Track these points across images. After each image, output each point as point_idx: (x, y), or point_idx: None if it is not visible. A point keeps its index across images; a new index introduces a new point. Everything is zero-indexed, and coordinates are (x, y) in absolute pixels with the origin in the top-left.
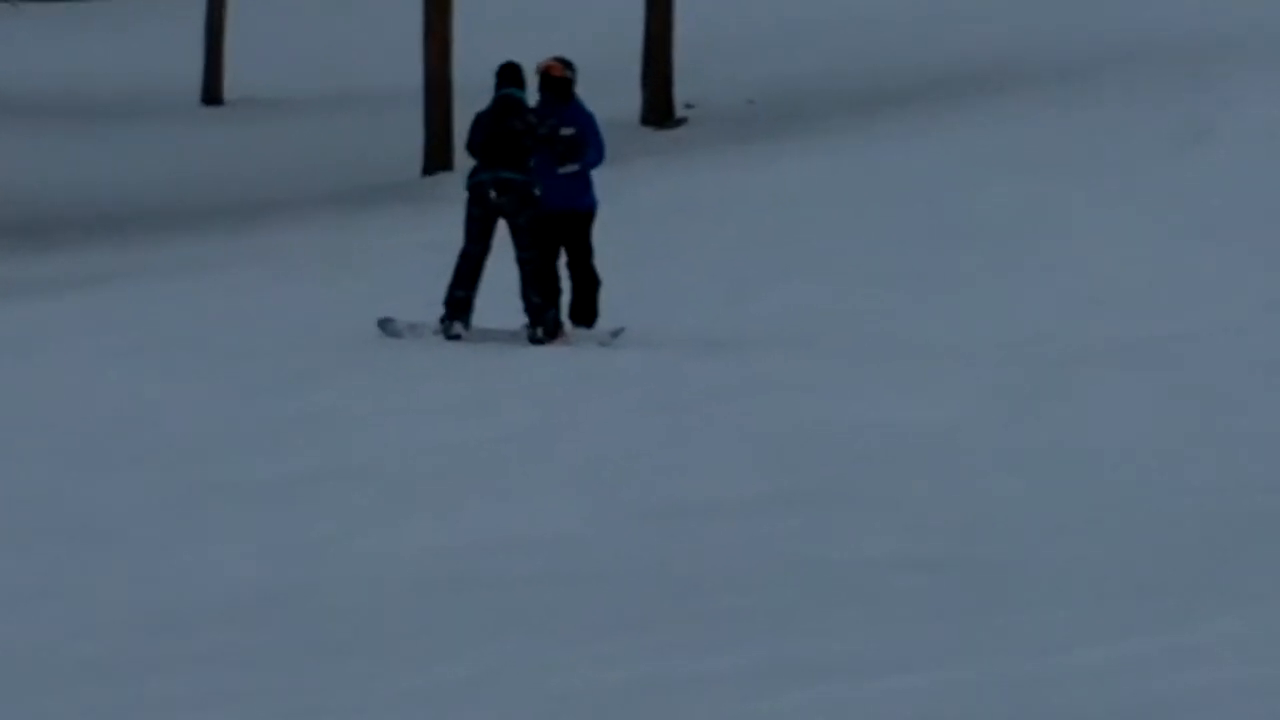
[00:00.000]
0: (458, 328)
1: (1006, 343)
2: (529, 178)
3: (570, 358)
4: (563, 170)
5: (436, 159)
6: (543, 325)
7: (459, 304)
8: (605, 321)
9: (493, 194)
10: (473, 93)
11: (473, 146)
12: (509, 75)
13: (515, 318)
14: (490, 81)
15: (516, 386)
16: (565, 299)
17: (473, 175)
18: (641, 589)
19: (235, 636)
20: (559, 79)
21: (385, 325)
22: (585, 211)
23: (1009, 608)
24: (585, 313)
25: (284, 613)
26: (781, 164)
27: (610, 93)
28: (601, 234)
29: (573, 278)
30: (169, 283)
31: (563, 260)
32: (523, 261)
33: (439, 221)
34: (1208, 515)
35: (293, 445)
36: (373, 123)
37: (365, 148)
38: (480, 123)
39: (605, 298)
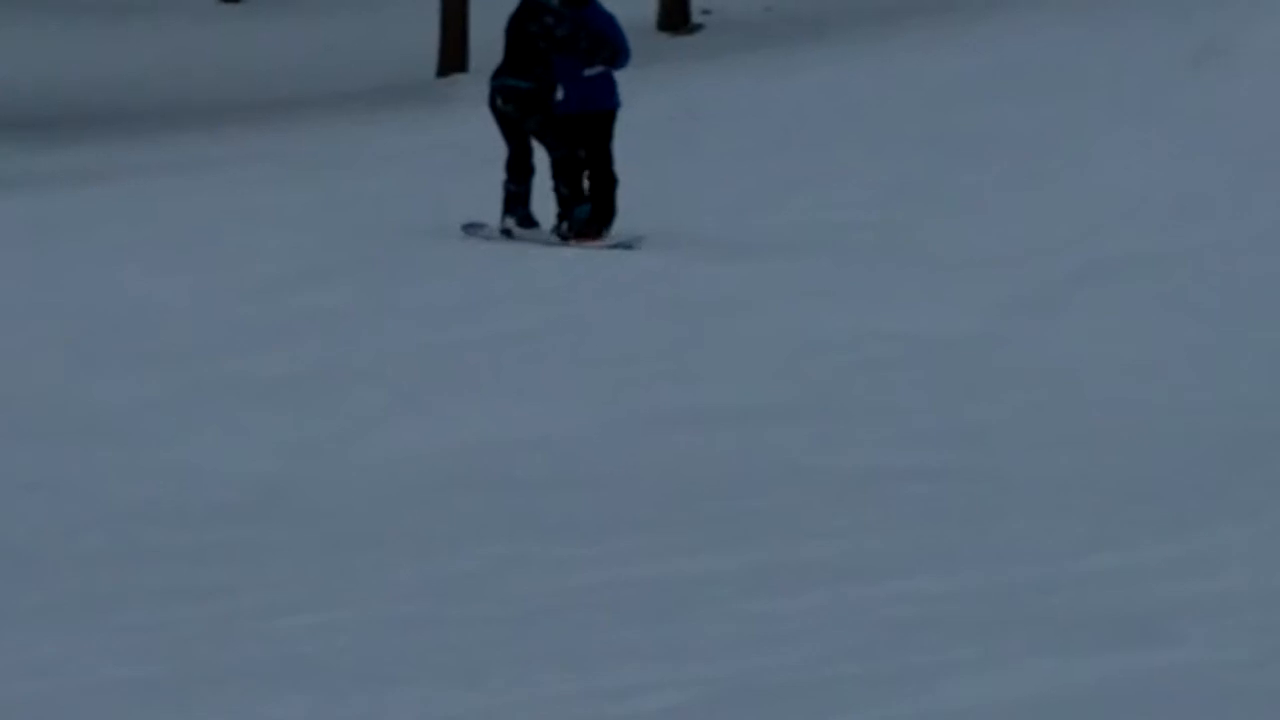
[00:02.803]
0: (509, 221)
1: (1017, 256)
2: (536, 84)
3: (582, 262)
4: (589, 72)
5: (451, 60)
6: (570, 221)
7: (512, 198)
8: (620, 224)
9: (499, 101)
10: None
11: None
12: None
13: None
14: None
15: (526, 289)
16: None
17: (490, 81)
18: (647, 491)
19: (237, 531)
20: None
21: (470, 228)
22: (608, 111)
23: (1015, 516)
24: (603, 212)
25: (286, 509)
26: (798, 73)
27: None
28: (617, 139)
29: (590, 177)
30: (179, 178)
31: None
32: (552, 161)
33: (451, 122)
34: (1210, 430)
35: (298, 344)
36: (389, 22)
37: (380, 47)
38: (507, 25)
39: (619, 203)
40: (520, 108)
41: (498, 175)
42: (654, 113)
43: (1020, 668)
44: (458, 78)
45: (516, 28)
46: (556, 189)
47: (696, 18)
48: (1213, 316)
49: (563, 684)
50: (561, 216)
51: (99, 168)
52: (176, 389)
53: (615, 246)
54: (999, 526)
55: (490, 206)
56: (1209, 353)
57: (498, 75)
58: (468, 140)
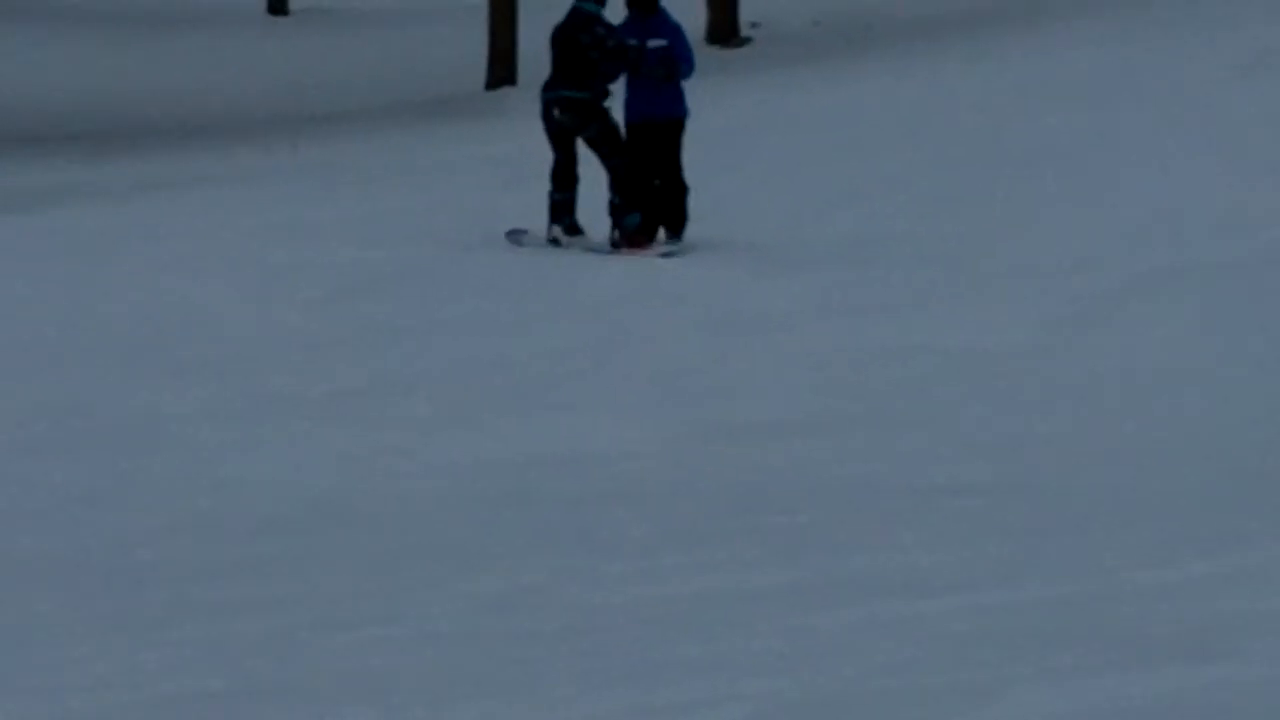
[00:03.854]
0: (556, 230)
1: (1067, 268)
2: (592, 94)
3: (633, 274)
4: (655, 78)
5: (500, 73)
6: (621, 229)
7: (558, 206)
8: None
9: (556, 113)
10: (538, 8)
11: (551, 60)
12: None
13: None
14: None
15: (576, 302)
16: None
17: (541, 92)
18: (697, 506)
19: (290, 545)
20: None
21: (513, 235)
22: (677, 119)
23: (1067, 530)
24: (675, 219)
25: (339, 522)
26: (845, 86)
27: (675, 11)
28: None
29: (662, 185)
30: (229, 191)
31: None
32: (608, 168)
33: (501, 135)
34: (1262, 443)
35: (350, 357)
36: (437, 35)
37: (429, 60)
38: (553, 36)
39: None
40: (578, 117)
41: (545, 186)
42: (703, 125)
43: (1076, 683)
44: (506, 90)
45: (567, 39)
46: (612, 198)
47: (745, 31)
48: (1264, 328)
49: (620, 699)
50: (614, 225)
51: (150, 181)
52: (228, 402)
53: (664, 254)
54: (1052, 541)
55: (539, 218)
56: (1260, 364)
57: (551, 86)
58: (517, 152)
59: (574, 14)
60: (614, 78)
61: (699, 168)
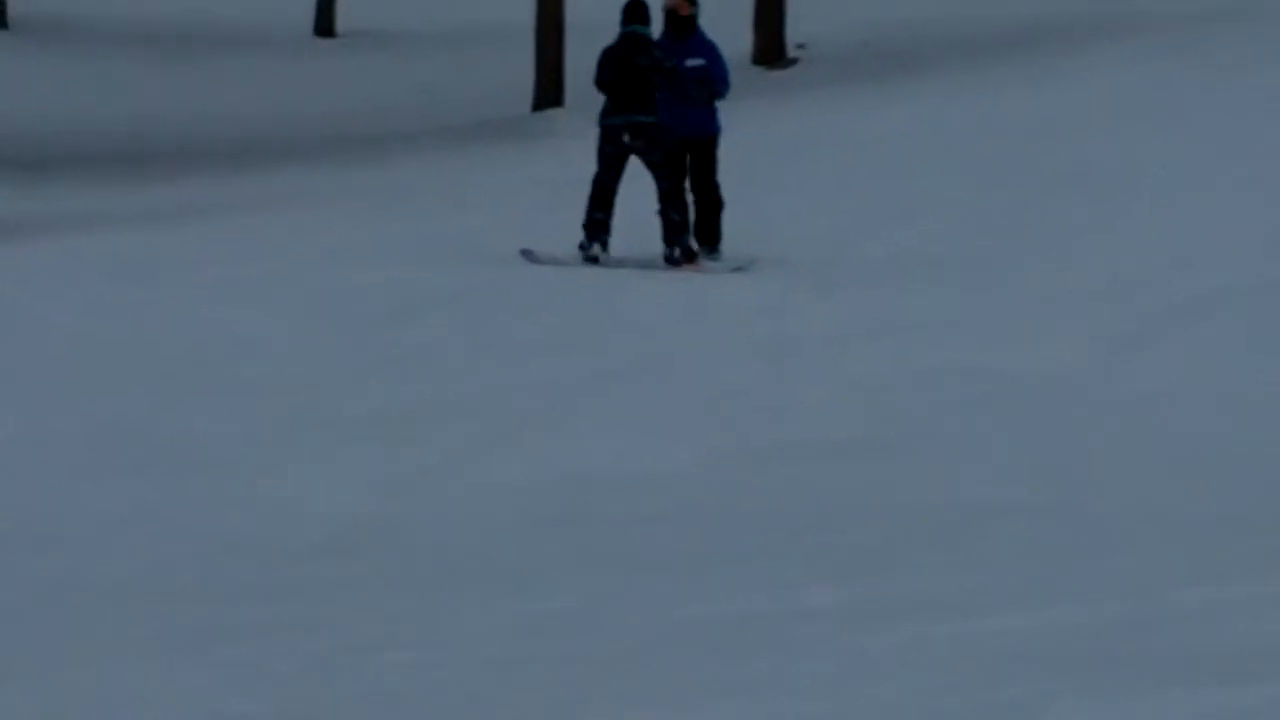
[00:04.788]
0: (596, 249)
1: (1110, 291)
2: (659, 118)
3: (678, 294)
4: (693, 98)
5: (547, 95)
6: (679, 245)
7: (597, 225)
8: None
9: (626, 138)
10: (584, 29)
11: (600, 83)
12: (635, 12)
13: (648, 247)
14: (609, 17)
15: (622, 322)
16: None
17: (605, 116)
18: (742, 527)
19: (333, 567)
20: (687, 17)
21: (527, 254)
22: (710, 137)
23: (1112, 550)
24: (710, 234)
25: (382, 544)
26: (892, 107)
27: (721, 32)
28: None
29: (697, 201)
30: (275, 214)
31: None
32: (662, 191)
33: (548, 157)
34: None
35: (393, 379)
36: (484, 58)
37: (476, 82)
38: (607, 60)
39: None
40: (649, 142)
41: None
42: (750, 146)
43: (1117, 703)
44: (553, 113)
45: (624, 62)
46: (667, 215)
47: (791, 52)
48: None
49: None
50: (671, 242)
51: (195, 204)
52: (272, 424)
53: (735, 269)
54: (1093, 562)
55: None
56: None
57: (619, 111)
58: (563, 175)
59: (629, 38)
60: (696, 95)
61: (744, 188)
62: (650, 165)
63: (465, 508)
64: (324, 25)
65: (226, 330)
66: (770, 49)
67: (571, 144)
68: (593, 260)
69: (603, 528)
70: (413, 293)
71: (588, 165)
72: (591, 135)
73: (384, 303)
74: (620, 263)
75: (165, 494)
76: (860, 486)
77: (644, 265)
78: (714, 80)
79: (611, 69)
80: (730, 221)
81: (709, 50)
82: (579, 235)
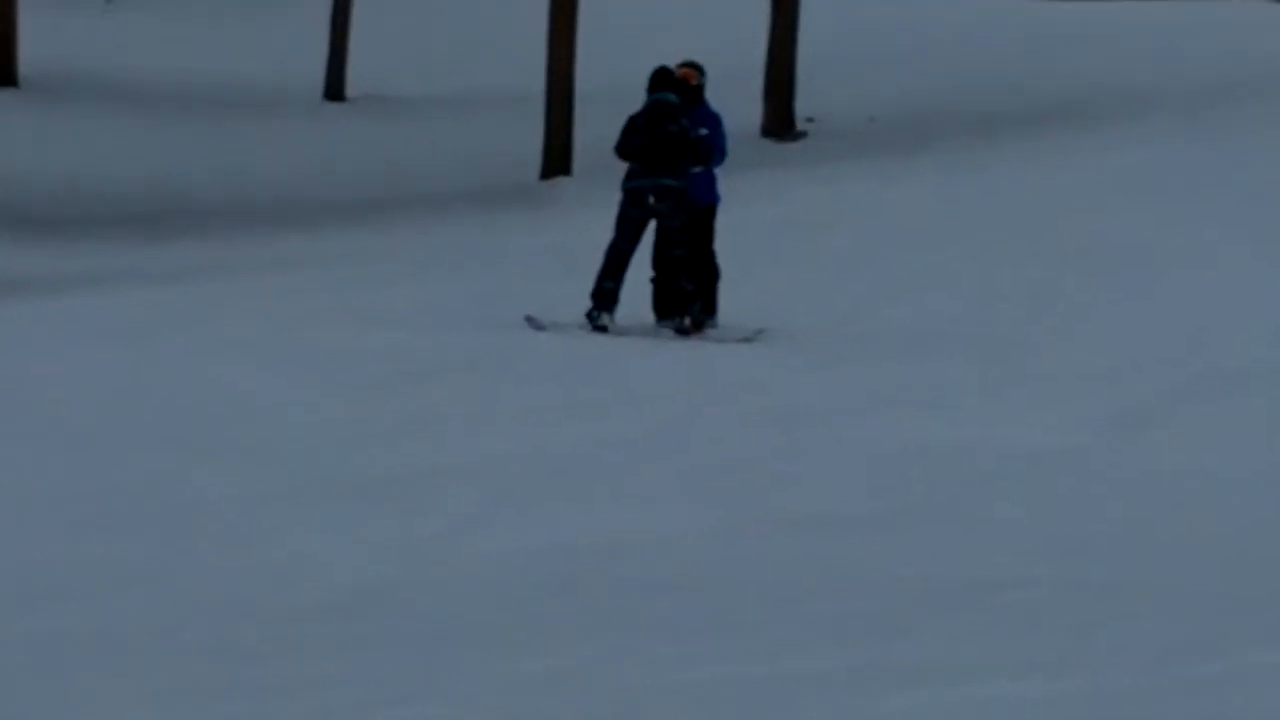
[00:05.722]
0: (605, 318)
1: (1121, 368)
2: (684, 183)
3: (685, 362)
4: (694, 170)
5: (555, 163)
6: (689, 315)
7: (607, 295)
8: (731, 324)
9: (651, 200)
10: (592, 98)
11: (625, 149)
12: (662, 80)
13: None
14: (617, 86)
15: (628, 390)
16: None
17: (629, 179)
18: (745, 593)
19: (336, 628)
20: (695, 87)
21: (531, 321)
22: (709, 206)
23: (1120, 623)
24: (705, 303)
25: (385, 606)
26: (902, 181)
27: (731, 103)
28: (720, 244)
29: (694, 271)
30: (283, 276)
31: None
32: (677, 259)
33: (555, 225)
34: None
35: (399, 442)
36: (492, 124)
37: (484, 149)
38: (635, 126)
39: (724, 306)
40: (673, 205)
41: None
42: (758, 218)
43: None
44: (561, 180)
45: (654, 128)
46: (680, 285)
47: (800, 125)
48: None
49: None
50: (683, 311)
51: (202, 265)
52: (274, 486)
53: (744, 340)
54: (1100, 635)
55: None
56: None
57: (646, 174)
58: (571, 243)
59: (658, 105)
60: (693, 168)
61: (752, 260)
62: (669, 231)
63: (468, 571)
64: (334, 89)
65: (230, 391)
66: (780, 121)
67: (579, 212)
68: (601, 329)
69: (604, 592)
70: (417, 357)
71: (595, 233)
72: (599, 203)
73: (388, 366)
74: (626, 331)
75: (166, 554)
76: (865, 557)
77: (651, 333)
78: (713, 149)
79: (639, 136)
80: (737, 293)
81: (713, 121)
82: (585, 303)
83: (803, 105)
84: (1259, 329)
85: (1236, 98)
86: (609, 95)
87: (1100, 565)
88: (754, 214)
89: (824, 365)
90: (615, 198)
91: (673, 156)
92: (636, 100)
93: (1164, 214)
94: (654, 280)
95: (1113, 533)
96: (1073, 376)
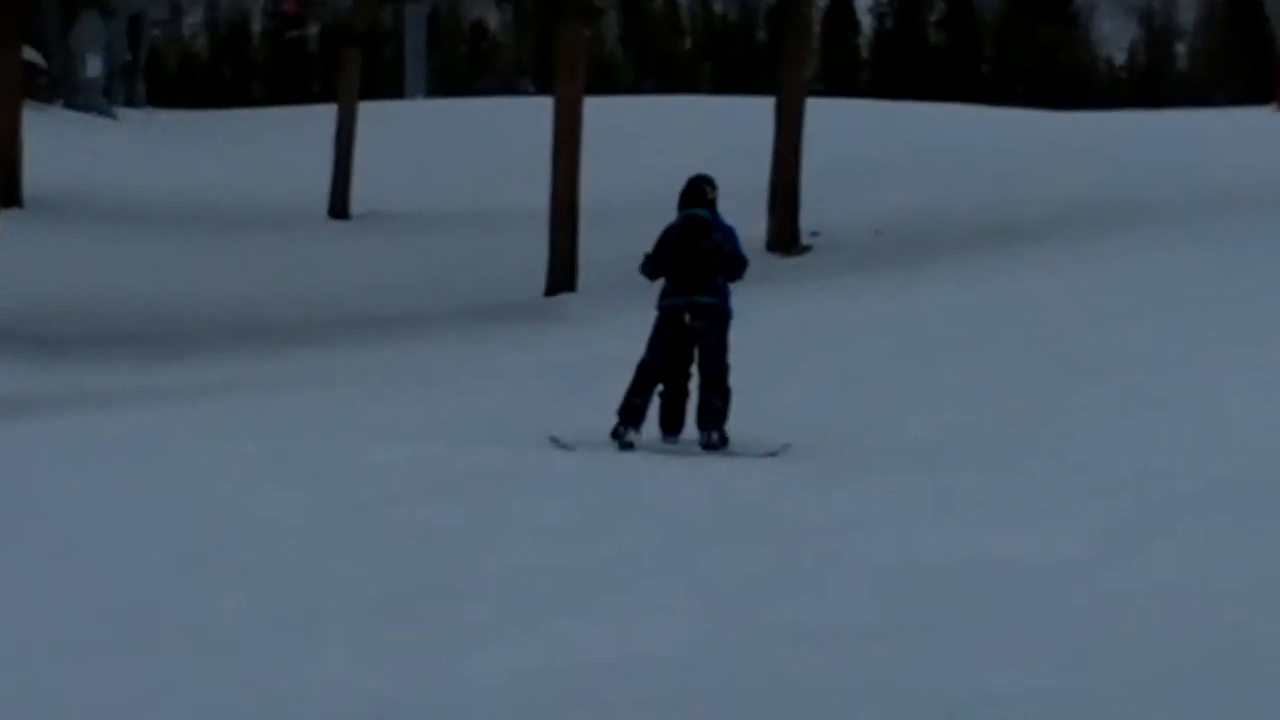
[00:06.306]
0: (632, 435)
1: (1129, 479)
2: (719, 300)
3: (698, 478)
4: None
5: (560, 279)
6: (717, 430)
7: (636, 411)
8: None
9: (688, 318)
10: (597, 215)
11: (657, 264)
12: (695, 196)
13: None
14: (621, 203)
15: (637, 507)
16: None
17: (665, 297)
18: (750, 708)
19: None
20: (707, 201)
21: (556, 441)
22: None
23: None
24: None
25: None
26: (907, 294)
27: (736, 218)
28: (733, 352)
29: (693, 384)
30: (290, 393)
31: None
32: (711, 375)
33: (561, 341)
34: None
35: (408, 559)
36: (496, 240)
37: (489, 265)
38: (668, 242)
39: (733, 422)
40: (710, 323)
41: (606, 390)
42: (764, 332)
43: None
44: (566, 297)
45: (688, 244)
46: (709, 401)
47: (805, 239)
48: None
49: None
50: (710, 427)
51: (211, 384)
52: (285, 603)
53: (768, 454)
54: None
55: (600, 419)
56: None
57: (682, 291)
58: (577, 358)
59: (690, 220)
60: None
61: (761, 374)
62: (705, 349)
63: (477, 689)
64: (338, 206)
65: (240, 507)
66: (785, 235)
67: (585, 328)
68: (628, 446)
69: (617, 711)
70: (427, 472)
71: (601, 348)
72: (604, 319)
73: (398, 482)
74: (651, 447)
75: (175, 672)
76: (871, 670)
77: (677, 450)
78: (745, 263)
79: (673, 252)
80: (742, 407)
81: (728, 233)
82: (595, 418)
83: (807, 219)
84: (1265, 440)
85: (1244, 207)
86: (614, 212)
87: (1104, 679)
88: (759, 328)
89: (833, 479)
90: (620, 313)
91: (706, 273)
92: (642, 216)
93: (1169, 324)
94: (663, 394)
95: (1123, 646)
96: (1077, 488)
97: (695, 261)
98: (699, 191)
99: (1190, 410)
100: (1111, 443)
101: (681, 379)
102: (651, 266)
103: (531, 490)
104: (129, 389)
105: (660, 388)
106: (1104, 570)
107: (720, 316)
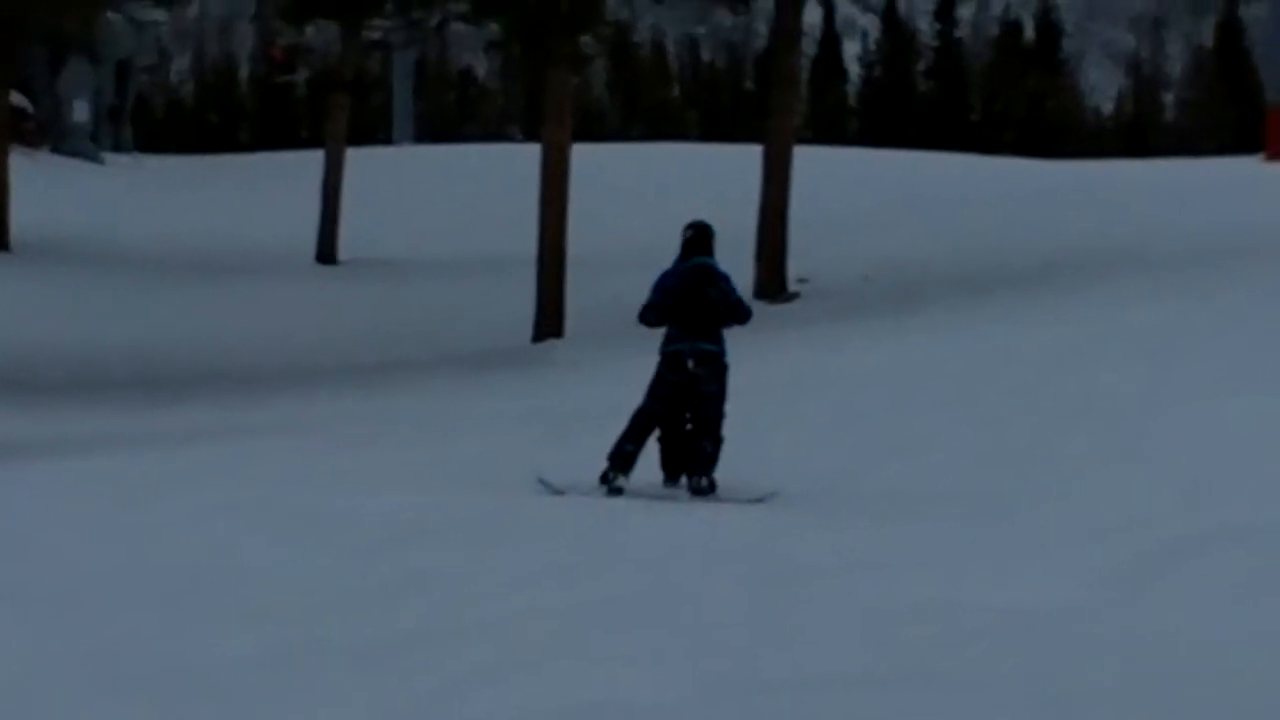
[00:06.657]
0: (621, 480)
1: (1114, 526)
2: (721, 347)
3: (682, 524)
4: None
5: (548, 326)
6: (708, 477)
7: (626, 458)
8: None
9: (690, 364)
10: (587, 261)
11: (661, 312)
12: (702, 244)
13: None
14: (608, 250)
15: (625, 553)
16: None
17: (668, 344)
18: None
19: None
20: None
21: (545, 485)
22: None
23: None
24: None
25: None
26: (894, 341)
27: (723, 265)
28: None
29: (693, 430)
30: (277, 440)
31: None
32: (710, 421)
33: (548, 388)
34: None
35: (396, 605)
36: (483, 287)
37: (476, 312)
38: (672, 290)
39: (722, 468)
40: (711, 370)
41: (592, 437)
42: (752, 379)
43: None
44: (553, 343)
45: (694, 292)
46: (704, 446)
47: (793, 286)
48: None
49: None
50: (700, 472)
51: (198, 427)
52: (273, 649)
53: (756, 500)
54: None
55: (585, 468)
56: None
57: (685, 338)
58: (563, 405)
59: (697, 269)
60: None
61: (748, 421)
62: (704, 396)
63: None
64: (326, 253)
65: (227, 553)
66: (772, 283)
67: (571, 375)
68: (617, 491)
69: None
70: (415, 518)
71: (588, 395)
72: (591, 365)
73: (386, 528)
74: (640, 491)
75: (169, 718)
76: (864, 716)
77: (656, 493)
78: (749, 310)
79: (675, 299)
80: (727, 455)
81: (728, 281)
82: (583, 464)
83: (795, 266)
84: (1253, 485)
85: (1235, 257)
86: (603, 257)
87: None
88: (746, 376)
89: (823, 525)
90: (607, 360)
91: (711, 321)
92: (631, 262)
93: (1156, 371)
94: (662, 440)
95: (1109, 694)
96: (1067, 534)
97: (701, 309)
98: (706, 239)
99: (1177, 455)
100: (1099, 489)
101: (681, 424)
102: (654, 314)
103: (519, 536)
104: (115, 434)
105: (658, 433)
106: (1093, 617)
107: (721, 364)
